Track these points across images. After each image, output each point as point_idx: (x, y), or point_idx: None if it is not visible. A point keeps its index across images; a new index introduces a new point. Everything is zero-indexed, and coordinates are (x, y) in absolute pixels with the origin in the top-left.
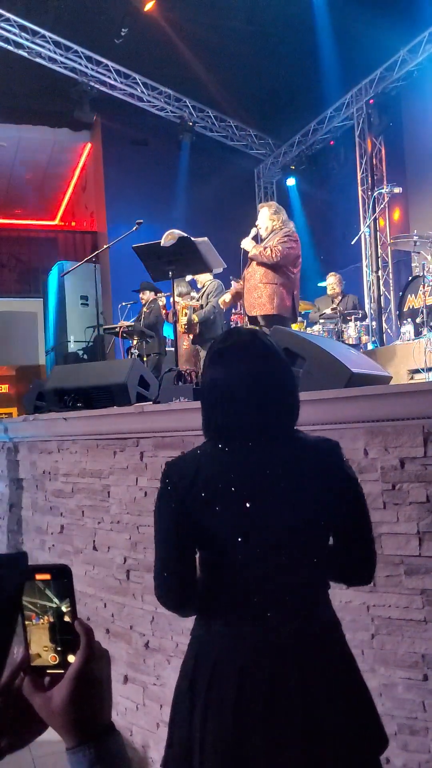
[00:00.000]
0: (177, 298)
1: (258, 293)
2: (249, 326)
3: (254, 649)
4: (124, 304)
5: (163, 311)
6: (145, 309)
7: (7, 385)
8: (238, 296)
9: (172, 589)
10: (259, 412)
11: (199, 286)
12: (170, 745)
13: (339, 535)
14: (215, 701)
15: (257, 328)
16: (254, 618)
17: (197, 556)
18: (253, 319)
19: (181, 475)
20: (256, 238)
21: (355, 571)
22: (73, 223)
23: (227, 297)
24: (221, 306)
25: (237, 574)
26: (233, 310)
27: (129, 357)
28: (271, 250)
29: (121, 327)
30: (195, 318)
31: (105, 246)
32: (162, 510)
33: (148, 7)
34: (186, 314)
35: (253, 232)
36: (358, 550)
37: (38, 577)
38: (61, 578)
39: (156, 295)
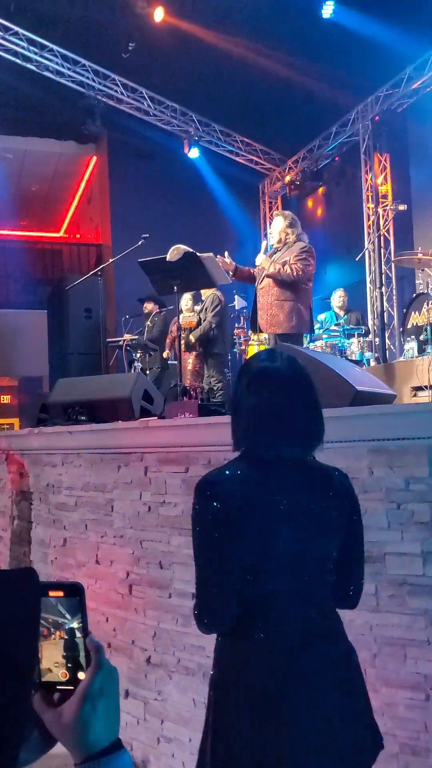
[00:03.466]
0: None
1: (274, 311)
2: (252, 344)
3: (286, 674)
4: (127, 317)
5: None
6: (148, 323)
7: (9, 396)
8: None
9: (216, 611)
10: (300, 436)
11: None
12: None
13: (343, 562)
14: (224, 717)
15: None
16: (286, 642)
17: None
18: (258, 328)
19: (228, 495)
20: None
21: (346, 596)
22: (78, 236)
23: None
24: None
25: (272, 597)
26: (236, 324)
27: (132, 370)
28: (291, 268)
29: (124, 340)
30: (192, 338)
31: (110, 260)
32: (208, 529)
33: (159, 18)
34: (183, 336)
35: (264, 245)
36: (355, 577)
37: (51, 593)
38: (74, 596)
39: (159, 308)
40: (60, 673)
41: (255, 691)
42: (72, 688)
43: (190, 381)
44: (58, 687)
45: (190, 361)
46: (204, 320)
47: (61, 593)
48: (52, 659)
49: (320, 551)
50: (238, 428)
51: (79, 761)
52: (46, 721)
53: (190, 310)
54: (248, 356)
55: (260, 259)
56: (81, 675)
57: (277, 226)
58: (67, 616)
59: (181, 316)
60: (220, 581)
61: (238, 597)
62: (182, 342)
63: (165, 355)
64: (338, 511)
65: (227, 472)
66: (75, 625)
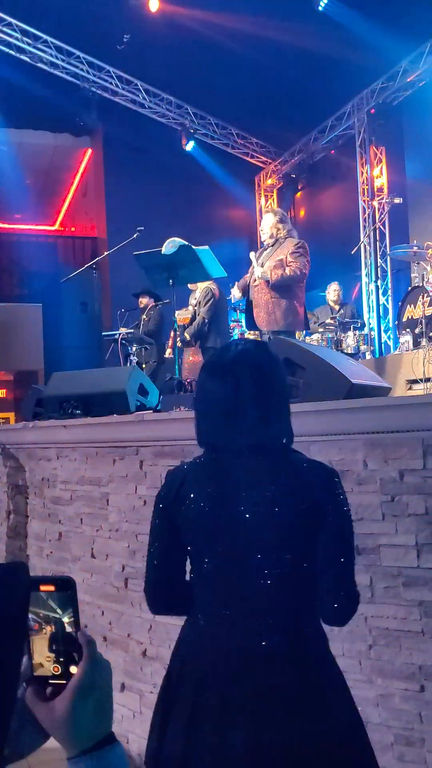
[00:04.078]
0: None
1: (271, 309)
2: (250, 337)
3: (223, 658)
4: (123, 310)
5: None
6: (144, 316)
7: (4, 390)
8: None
9: (156, 592)
10: (251, 425)
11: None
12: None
13: (323, 567)
14: (175, 704)
15: (258, 339)
16: (231, 627)
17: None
18: (253, 325)
19: (171, 483)
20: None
21: (329, 609)
22: (73, 229)
23: (236, 293)
24: (234, 298)
25: (217, 583)
26: (232, 319)
27: (128, 364)
28: (291, 270)
29: (120, 334)
30: (187, 336)
31: (105, 253)
32: (154, 514)
33: (154, 8)
34: (178, 334)
35: (253, 259)
36: (336, 587)
37: (42, 588)
38: (65, 590)
39: (155, 301)
40: (52, 668)
41: (188, 668)
42: (64, 682)
43: (190, 375)
44: (50, 681)
45: (189, 357)
46: (197, 315)
47: (52, 587)
48: (43, 654)
49: (276, 541)
50: (195, 421)
51: (72, 755)
52: (39, 715)
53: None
54: None
55: (259, 272)
56: (73, 669)
57: (268, 222)
58: (59, 610)
59: (177, 313)
60: (158, 565)
61: (192, 583)
62: (177, 337)
63: (167, 354)
64: (308, 505)
65: (186, 464)
66: (66, 619)
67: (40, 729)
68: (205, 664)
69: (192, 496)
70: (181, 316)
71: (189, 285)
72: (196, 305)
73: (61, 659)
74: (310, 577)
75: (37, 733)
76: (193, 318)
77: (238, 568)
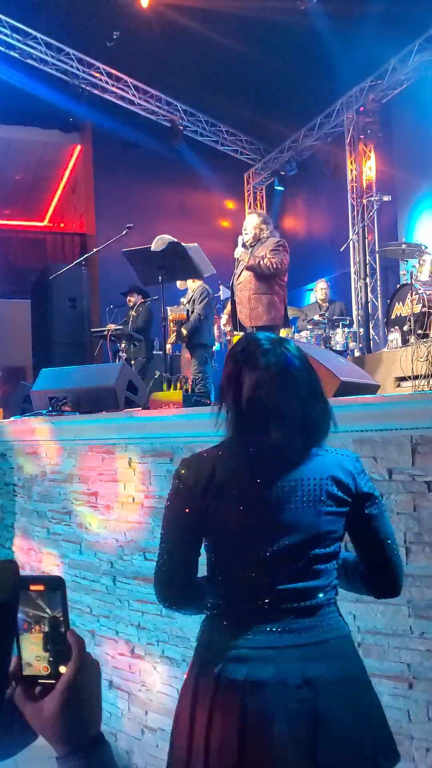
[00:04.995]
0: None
1: (253, 304)
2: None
3: (261, 657)
4: (112, 307)
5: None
6: (132, 312)
7: None
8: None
9: (176, 584)
10: (299, 417)
11: (189, 291)
12: (173, 750)
13: (359, 549)
14: (220, 709)
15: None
16: (263, 622)
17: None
18: (241, 327)
19: (199, 472)
20: (244, 245)
21: (379, 584)
22: (62, 225)
23: (225, 322)
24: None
25: (249, 575)
26: (220, 315)
27: (117, 360)
28: (268, 262)
29: (109, 330)
30: (184, 331)
31: (94, 250)
32: (177, 502)
33: (145, 3)
34: (174, 330)
35: (240, 240)
36: (379, 563)
37: (32, 587)
38: (55, 589)
39: (144, 298)
40: (41, 667)
41: (229, 671)
42: (53, 681)
43: (189, 371)
44: (39, 681)
45: (186, 355)
46: (192, 312)
47: (42, 587)
48: (33, 653)
49: (305, 529)
50: (228, 413)
51: (60, 755)
52: (27, 714)
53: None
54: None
55: (239, 251)
56: (62, 669)
57: (252, 222)
58: (48, 610)
59: (170, 309)
60: (181, 555)
61: (215, 579)
62: (173, 335)
63: (168, 350)
64: (334, 490)
65: (207, 452)
66: (56, 618)
67: (28, 728)
68: (246, 663)
69: (226, 486)
70: (176, 312)
71: (179, 284)
72: (188, 302)
73: (51, 659)
74: (333, 567)
75: (25, 733)
76: (187, 315)
77: (270, 560)
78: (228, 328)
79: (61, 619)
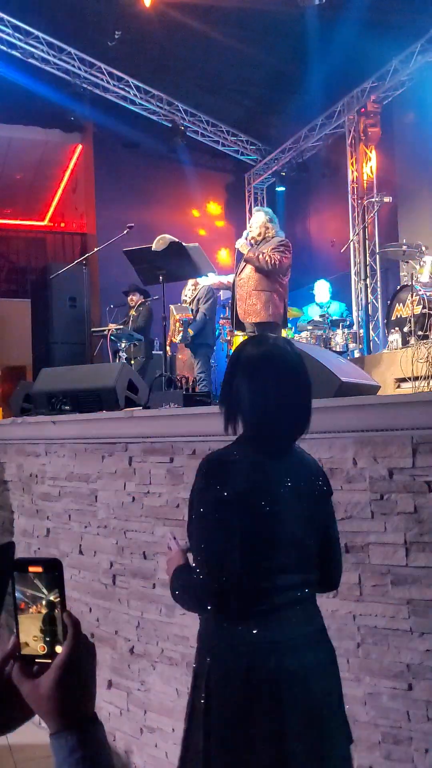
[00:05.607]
0: (171, 306)
1: (252, 300)
2: (237, 335)
3: (267, 651)
4: (112, 306)
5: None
6: (133, 312)
7: None
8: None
9: (213, 590)
10: (297, 418)
11: (193, 289)
12: (186, 747)
13: (323, 545)
14: (225, 701)
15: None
16: (273, 621)
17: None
18: (239, 325)
19: (231, 478)
20: (249, 241)
21: (330, 578)
22: (63, 224)
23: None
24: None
25: (262, 577)
26: (222, 315)
27: (117, 360)
28: (268, 257)
29: (109, 330)
30: (191, 332)
31: (95, 249)
32: (218, 507)
33: (148, 2)
34: (181, 330)
35: (246, 234)
36: (336, 559)
37: (31, 569)
38: (52, 571)
39: (144, 297)
40: (38, 647)
41: (251, 678)
42: (50, 661)
43: (186, 372)
44: (36, 660)
45: (186, 353)
46: (197, 311)
47: (40, 569)
48: (30, 633)
49: (312, 537)
50: (240, 414)
51: (53, 731)
52: (24, 692)
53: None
54: (234, 347)
55: (240, 243)
56: (58, 648)
57: (258, 219)
58: (45, 591)
59: (174, 308)
60: (221, 558)
61: (239, 581)
62: (179, 335)
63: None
64: (323, 496)
65: (235, 454)
66: (53, 599)
67: (24, 706)
68: (255, 663)
69: (256, 492)
70: (182, 312)
71: (191, 281)
72: (192, 302)
73: (47, 639)
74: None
75: (22, 709)
76: (193, 314)
77: (279, 558)
78: (227, 328)
79: (58, 600)
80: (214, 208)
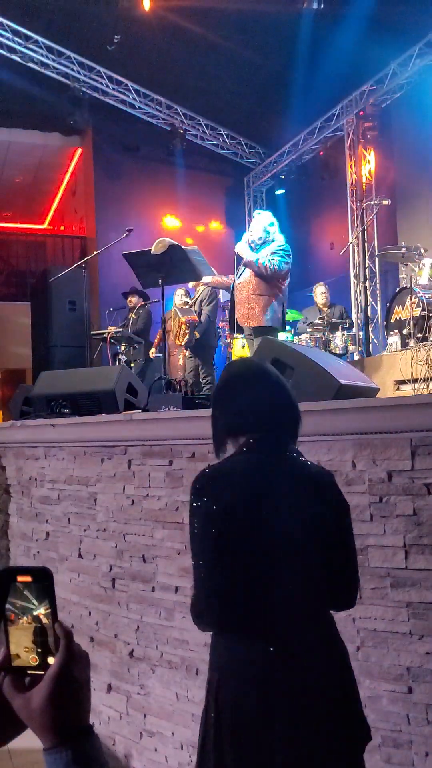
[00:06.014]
0: (176, 308)
1: (251, 304)
2: (237, 337)
3: (271, 665)
4: (111, 309)
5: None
6: (132, 315)
7: None
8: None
9: (214, 608)
10: (286, 424)
11: (195, 292)
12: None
13: (328, 561)
14: (234, 716)
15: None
16: (273, 633)
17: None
18: (238, 328)
19: (222, 493)
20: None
21: (336, 597)
22: (62, 228)
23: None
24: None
25: (263, 590)
26: (221, 318)
27: (117, 363)
28: (267, 261)
29: (109, 333)
30: (197, 334)
31: (94, 252)
32: (205, 521)
33: (147, 6)
34: (187, 333)
35: (246, 237)
36: (342, 577)
37: (19, 579)
38: (42, 581)
39: (143, 300)
40: (30, 658)
41: (257, 693)
42: (42, 673)
43: (181, 374)
44: (28, 672)
45: (181, 356)
46: (200, 313)
47: (29, 578)
48: (21, 644)
49: (315, 550)
50: (231, 422)
51: (47, 747)
52: (16, 706)
53: (184, 305)
54: (233, 350)
55: (240, 246)
56: (51, 660)
57: (260, 222)
58: (35, 601)
59: (179, 310)
60: (215, 575)
61: (238, 596)
62: (185, 338)
63: (151, 354)
64: (329, 509)
65: (228, 467)
66: (43, 610)
67: (16, 719)
68: (261, 676)
69: (240, 499)
70: (188, 315)
71: (190, 284)
72: (194, 303)
73: (39, 650)
74: (323, 572)
75: (15, 724)
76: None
77: (276, 572)
78: (227, 330)
79: (49, 610)
80: (214, 211)
